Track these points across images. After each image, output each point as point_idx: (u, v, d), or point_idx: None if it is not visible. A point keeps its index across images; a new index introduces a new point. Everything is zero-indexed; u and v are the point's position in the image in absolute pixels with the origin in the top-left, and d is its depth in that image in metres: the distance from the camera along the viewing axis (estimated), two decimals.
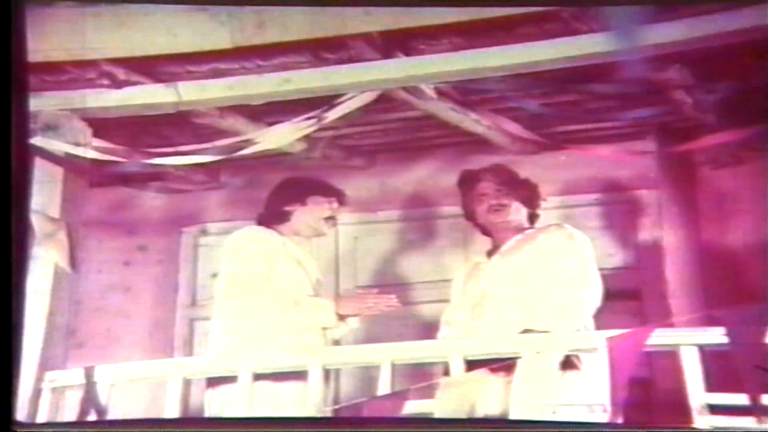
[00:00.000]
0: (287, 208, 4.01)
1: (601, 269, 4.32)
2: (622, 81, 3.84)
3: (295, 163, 4.34)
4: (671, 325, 3.56)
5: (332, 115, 3.96)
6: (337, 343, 3.94)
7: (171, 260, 4.69)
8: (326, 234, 4.11)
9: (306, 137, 4.23)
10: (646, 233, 4.23)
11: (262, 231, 3.99)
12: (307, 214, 4.02)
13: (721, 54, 3.55)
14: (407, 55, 3.82)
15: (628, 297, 4.02)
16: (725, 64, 3.68)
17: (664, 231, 3.85)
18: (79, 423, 3.73)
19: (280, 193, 4.06)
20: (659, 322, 3.59)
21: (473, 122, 4.24)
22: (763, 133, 3.63)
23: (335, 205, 4.06)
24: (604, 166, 4.30)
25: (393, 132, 4.48)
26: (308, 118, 3.99)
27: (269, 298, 3.85)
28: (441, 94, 4.02)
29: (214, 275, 4.15)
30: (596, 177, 4.36)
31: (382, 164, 4.63)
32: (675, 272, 4.11)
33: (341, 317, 3.88)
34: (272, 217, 4.01)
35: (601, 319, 3.73)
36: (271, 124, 4.17)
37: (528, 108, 4.10)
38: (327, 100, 3.93)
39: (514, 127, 4.28)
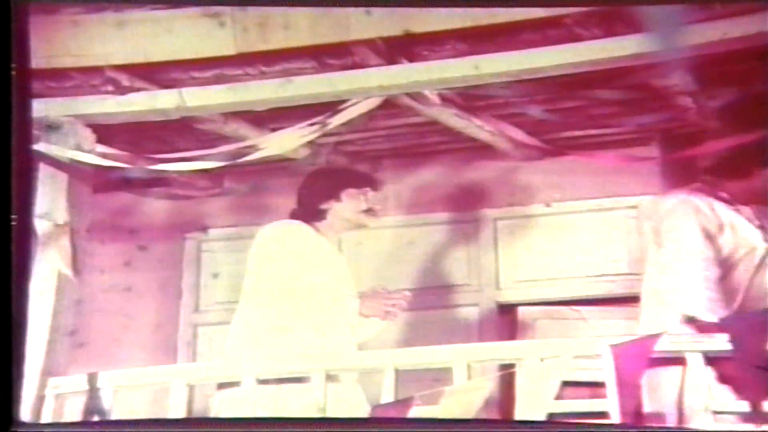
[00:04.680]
0: (322, 206, 3.97)
1: (605, 275, 4.34)
2: (626, 87, 3.85)
3: (299, 169, 4.35)
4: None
5: (336, 121, 3.95)
6: (362, 346, 3.90)
7: (174, 266, 4.70)
8: (368, 226, 4.06)
9: (310, 143, 4.24)
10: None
11: (297, 225, 3.94)
12: (343, 210, 3.98)
13: (724, 60, 3.55)
14: (411, 61, 3.81)
15: (632, 303, 4.00)
16: (728, 69, 3.68)
17: None
18: (79, 423, 3.72)
19: (312, 187, 4.02)
20: None
21: (477, 128, 4.24)
22: (766, 139, 3.62)
23: (370, 194, 4.02)
24: (608, 172, 4.30)
25: (397, 138, 4.49)
26: (312, 124, 3.98)
27: (299, 296, 3.81)
28: (445, 100, 4.02)
29: (215, 275, 4.15)
30: (599, 183, 4.37)
31: (386, 170, 4.63)
32: None
33: (365, 316, 3.84)
34: (307, 213, 3.97)
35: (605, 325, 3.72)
36: (274, 130, 4.18)
37: (531, 114, 4.10)
38: (331, 106, 3.93)
39: (517, 133, 4.29)
